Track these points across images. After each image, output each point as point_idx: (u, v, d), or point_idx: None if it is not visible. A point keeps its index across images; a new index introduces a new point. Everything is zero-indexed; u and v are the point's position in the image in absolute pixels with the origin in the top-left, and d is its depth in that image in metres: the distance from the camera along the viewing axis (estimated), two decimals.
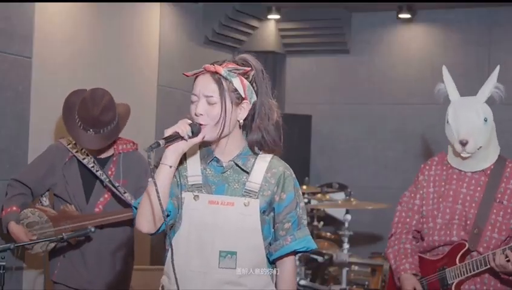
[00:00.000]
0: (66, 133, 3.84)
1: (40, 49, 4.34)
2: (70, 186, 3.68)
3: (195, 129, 2.26)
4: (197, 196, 2.32)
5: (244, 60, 2.36)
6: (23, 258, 4.14)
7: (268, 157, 2.37)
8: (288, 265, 2.40)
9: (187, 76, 2.35)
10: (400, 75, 6.46)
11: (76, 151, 3.69)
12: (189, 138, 2.25)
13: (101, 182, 3.68)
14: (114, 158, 3.74)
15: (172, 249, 2.21)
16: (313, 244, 2.41)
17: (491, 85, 3.39)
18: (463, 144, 3.27)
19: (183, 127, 2.24)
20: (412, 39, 6.46)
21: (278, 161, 2.39)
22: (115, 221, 3.65)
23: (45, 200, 3.78)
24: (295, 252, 2.39)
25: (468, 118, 3.32)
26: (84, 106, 3.62)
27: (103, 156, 3.73)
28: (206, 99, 2.28)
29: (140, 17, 5.27)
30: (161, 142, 2.20)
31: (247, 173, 2.33)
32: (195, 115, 2.28)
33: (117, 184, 3.65)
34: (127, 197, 3.64)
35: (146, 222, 2.27)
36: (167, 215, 2.30)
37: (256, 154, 2.37)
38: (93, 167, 3.67)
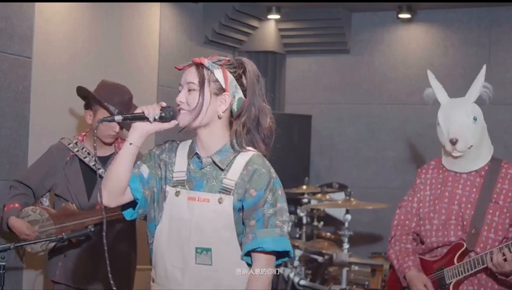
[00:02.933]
0: (66, 133, 3.84)
1: (40, 49, 4.34)
2: (72, 185, 3.68)
3: (167, 114, 2.30)
4: (179, 191, 2.35)
5: (239, 61, 2.40)
6: (22, 258, 4.14)
7: (249, 154, 2.36)
8: (254, 263, 2.30)
9: (179, 69, 2.39)
10: (400, 75, 6.46)
11: (77, 151, 3.70)
12: (155, 120, 2.28)
13: None
14: (115, 156, 3.74)
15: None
16: (272, 246, 2.28)
17: (479, 85, 3.42)
18: (453, 142, 3.30)
19: (152, 108, 2.29)
20: (412, 39, 6.46)
21: (258, 158, 2.37)
22: (116, 217, 3.64)
23: (46, 201, 3.79)
24: (258, 252, 2.29)
25: (457, 117, 3.35)
26: (115, 90, 3.64)
27: (104, 154, 3.73)
28: (187, 87, 2.33)
29: (140, 17, 5.28)
30: (118, 117, 2.27)
31: (222, 170, 2.34)
32: (177, 103, 2.33)
33: None
34: None
35: (104, 193, 2.33)
36: (136, 204, 2.38)
37: (238, 151, 2.36)
38: (94, 165, 3.67)
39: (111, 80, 3.74)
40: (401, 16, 6.29)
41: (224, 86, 2.33)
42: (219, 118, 2.35)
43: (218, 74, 2.33)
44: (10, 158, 4.13)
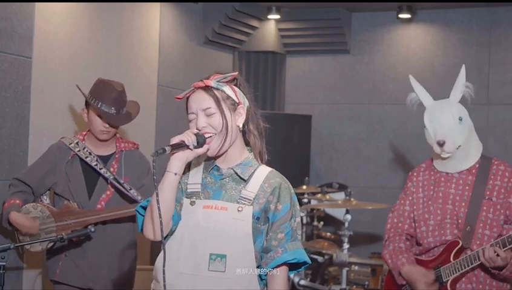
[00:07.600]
0: (66, 133, 3.84)
1: (40, 49, 4.34)
2: (73, 184, 3.69)
3: (201, 140, 2.31)
4: (194, 201, 2.37)
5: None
6: (23, 258, 4.14)
7: (268, 169, 2.42)
8: (278, 277, 2.35)
9: (179, 99, 2.41)
10: (400, 75, 6.45)
11: (78, 150, 3.70)
12: (195, 147, 2.30)
13: (105, 179, 3.69)
14: (117, 155, 3.76)
15: (164, 254, 2.23)
16: (304, 257, 2.37)
17: (460, 85, 3.47)
18: (441, 144, 3.35)
19: (188, 136, 2.30)
20: (412, 39, 6.46)
21: (276, 173, 2.43)
22: (118, 217, 3.65)
23: (46, 199, 3.78)
24: (285, 264, 2.35)
25: (443, 119, 3.40)
26: (105, 86, 3.64)
27: (105, 153, 3.74)
28: (204, 113, 2.34)
29: (140, 17, 5.28)
30: (167, 148, 2.26)
31: (245, 181, 2.37)
32: (198, 130, 2.33)
33: (122, 181, 3.66)
34: (133, 193, 3.65)
35: (153, 230, 2.32)
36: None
37: (257, 164, 2.41)
38: (96, 165, 3.68)
39: (107, 78, 3.75)
40: (401, 16, 6.29)
41: (237, 100, 2.37)
42: (240, 131, 2.40)
43: (228, 90, 2.36)
44: (10, 158, 4.13)
